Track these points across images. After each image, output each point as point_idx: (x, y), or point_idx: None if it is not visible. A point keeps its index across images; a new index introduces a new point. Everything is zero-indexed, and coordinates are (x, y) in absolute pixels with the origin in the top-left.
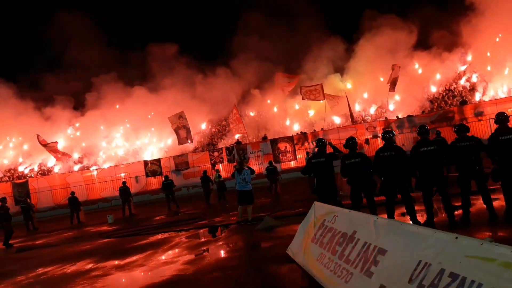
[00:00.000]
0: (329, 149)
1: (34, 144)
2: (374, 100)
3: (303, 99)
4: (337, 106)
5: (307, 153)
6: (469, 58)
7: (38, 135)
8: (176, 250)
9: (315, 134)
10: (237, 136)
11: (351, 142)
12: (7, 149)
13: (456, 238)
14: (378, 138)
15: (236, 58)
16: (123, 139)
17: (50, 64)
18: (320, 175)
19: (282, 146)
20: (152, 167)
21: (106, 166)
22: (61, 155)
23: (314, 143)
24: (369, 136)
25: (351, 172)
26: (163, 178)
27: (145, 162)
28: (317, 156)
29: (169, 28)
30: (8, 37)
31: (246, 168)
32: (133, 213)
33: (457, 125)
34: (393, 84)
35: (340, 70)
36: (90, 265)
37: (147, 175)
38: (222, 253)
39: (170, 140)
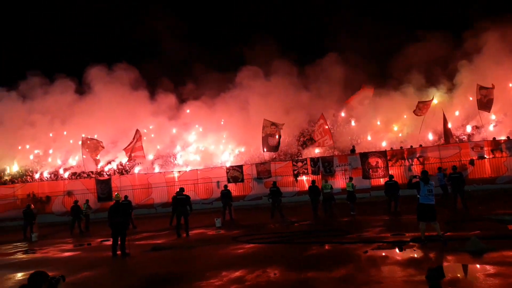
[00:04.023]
0: None
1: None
2: (466, 118)
3: (417, 114)
4: (428, 119)
5: (439, 168)
6: None
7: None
8: (402, 267)
9: (412, 150)
10: (317, 151)
11: None
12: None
13: None
14: (485, 159)
15: (324, 68)
16: (196, 143)
17: (135, 61)
18: None
19: (373, 161)
20: (234, 173)
21: (187, 169)
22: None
23: (410, 160)
24: (475, 157)
25: None
26: (271, 185)
27: (227, 168)
28: None
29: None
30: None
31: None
32: (234, 218)
33: None
34: (486, 105)
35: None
36: (299, 275)
37: (228, 181)
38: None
39: (243, 148)
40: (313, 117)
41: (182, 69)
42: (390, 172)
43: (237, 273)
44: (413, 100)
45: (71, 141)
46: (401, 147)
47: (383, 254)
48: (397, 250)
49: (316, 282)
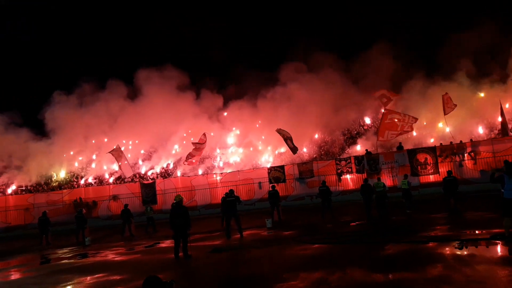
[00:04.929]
0: None
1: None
2: None
3: (446, 113)
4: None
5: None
6: None
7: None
8: (498, 265)
9: (461, 146)
10: (358, 148)
11: None
12: (127, 152)
13: None
14: None
15: (362, 60)
16: (237, 145)
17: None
18: None
19: (421, 157)
20: (276, 174)
21: (228, 171)
22: (196, 157)
23: (461, 156)
24: None
25: None
26: (321, 184)
27: (269, 169)
28: None
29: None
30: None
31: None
32: (282, 219)
33: None
34: None
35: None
36: (386, 276)
37: (270, 182)
38: None
39: (283, 149)
40: (355, 114)
41: (223, 72)
42: (440, 169)
43: (317, 275)
44: (462, 92)
45: (114, 147)
46: (451, 142)
47: (468, 252)
48: (480, 247)
49: (410, 283)
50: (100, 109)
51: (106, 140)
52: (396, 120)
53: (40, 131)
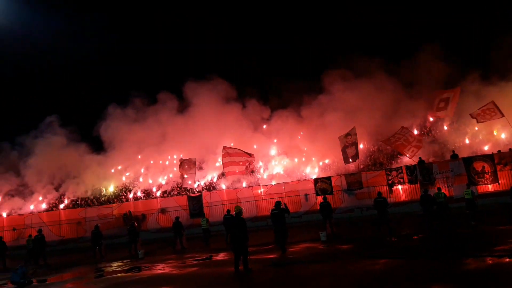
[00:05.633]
0: None
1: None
2: None
3: (478, 122)
4: None
5: None
6: None
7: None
8: None
9: None
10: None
11: None
12: (173, 165)
13: None
14: None
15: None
16: (281, 156)
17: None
18: None
19: (478, 166)
20: (322, 186)
21: (273, 182)
22: (244, 167)
23: None
24: None
25: None
26: (376, 195)
27: (315, 180)
28: None
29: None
30: None
31: None
32: (335, 231)
33: None
34: None
35: None
36: None
37: (317, 193)
38: None
39: (327, 160)
40: (405, 121)
41: (263, 82)
42: (499, 178)
43: None
44: None
45: (160, 162)
46: (510, 149)
47: None
48: None
49: None
50: (150, 122)
51: (155, 154)
52: (396, 141)
53: (95, 146)
